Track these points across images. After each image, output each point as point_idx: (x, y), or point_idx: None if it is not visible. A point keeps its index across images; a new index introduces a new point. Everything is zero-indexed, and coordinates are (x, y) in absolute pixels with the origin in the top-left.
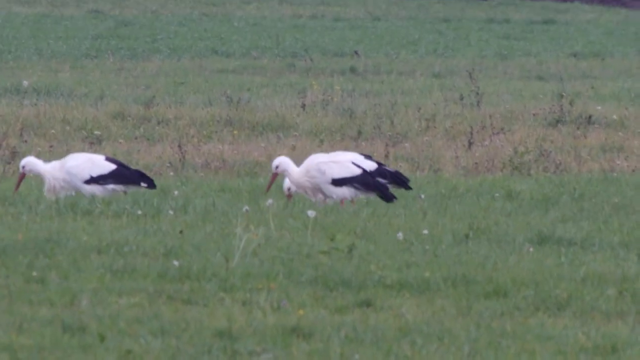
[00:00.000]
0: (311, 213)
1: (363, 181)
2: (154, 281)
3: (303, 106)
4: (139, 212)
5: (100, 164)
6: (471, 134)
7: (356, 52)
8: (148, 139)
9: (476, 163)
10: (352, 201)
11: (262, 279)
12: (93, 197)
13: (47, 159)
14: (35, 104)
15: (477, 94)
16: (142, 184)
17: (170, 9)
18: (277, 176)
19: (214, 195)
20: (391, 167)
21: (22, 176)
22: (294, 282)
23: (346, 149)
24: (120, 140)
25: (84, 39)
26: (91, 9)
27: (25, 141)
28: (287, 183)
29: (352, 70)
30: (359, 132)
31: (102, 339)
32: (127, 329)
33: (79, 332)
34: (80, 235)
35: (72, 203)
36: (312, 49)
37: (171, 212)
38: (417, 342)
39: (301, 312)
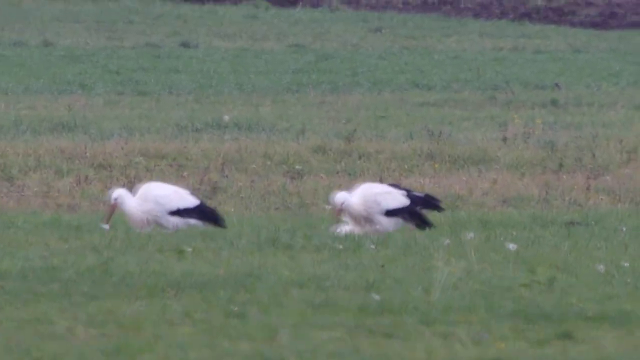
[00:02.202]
0: (512, 246)
1: (411, 211)
2: (354, 315)
3: (504, 139)
4: (340, 246)
5: (186, 198)
6: None
7: (557, 85)
8: (349, 174)
9: None
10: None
11: (462, 312)
12: (170, 228)
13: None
14: (237, 139)
15: None
16: (217, 222)
17: (371, 42)
18: (341, 211)
19: (414, 229)
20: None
21: (114, 207)
22: (494, 315)
23: (547, 182)
24: (322, 175)
25: (285, 72)
26: (292, 43)
27: (227, 176)
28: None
29: (553, 102)
30: (560, 165)
31: None
32: None
33: None
34: (281, 269)
35: (272, 238)
36: (512, 81)
37: (372, 246)
38: None
39: (502, 345)
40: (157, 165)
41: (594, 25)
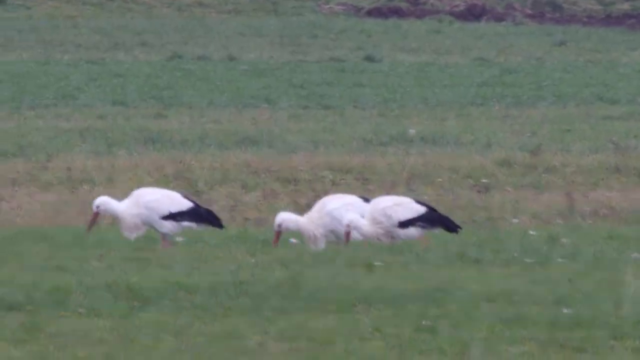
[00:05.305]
0: None
1: (428, 219)
2: (545, 329)
3: None
4: (528, 260)
5: (178, 201)
6: None
7: None
8: (535, 187)
9: None
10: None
11: None
12: (165, 232)
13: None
14: (422, 152)
15: None
16: (213, 223)
17: (556, 56)
18: (280, 234)
19: (602, 243)
20: None
21: (96, 215)
22: None
23: None
24: (508, 189)
25: (469, 86)
26: (476, 57)
27: (413, 190)
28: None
29: None
30: None
31: None
32: None
33: None
34: (470, 284)
35: (460, 252)
36: None
37: (560, 260)
38: None
39: None
40: (342, 179)
41: None
